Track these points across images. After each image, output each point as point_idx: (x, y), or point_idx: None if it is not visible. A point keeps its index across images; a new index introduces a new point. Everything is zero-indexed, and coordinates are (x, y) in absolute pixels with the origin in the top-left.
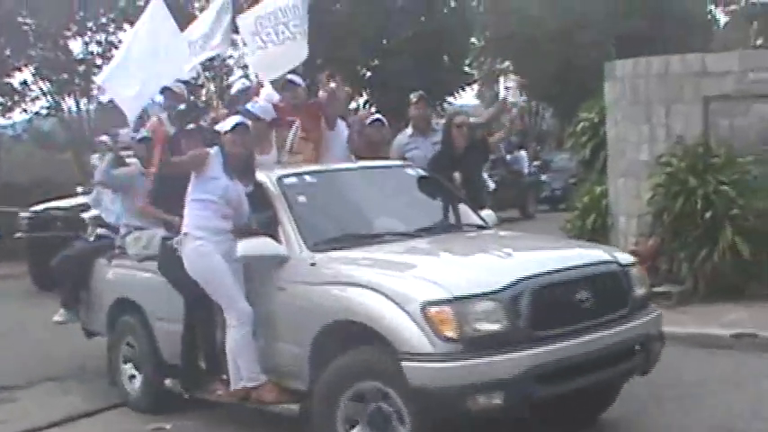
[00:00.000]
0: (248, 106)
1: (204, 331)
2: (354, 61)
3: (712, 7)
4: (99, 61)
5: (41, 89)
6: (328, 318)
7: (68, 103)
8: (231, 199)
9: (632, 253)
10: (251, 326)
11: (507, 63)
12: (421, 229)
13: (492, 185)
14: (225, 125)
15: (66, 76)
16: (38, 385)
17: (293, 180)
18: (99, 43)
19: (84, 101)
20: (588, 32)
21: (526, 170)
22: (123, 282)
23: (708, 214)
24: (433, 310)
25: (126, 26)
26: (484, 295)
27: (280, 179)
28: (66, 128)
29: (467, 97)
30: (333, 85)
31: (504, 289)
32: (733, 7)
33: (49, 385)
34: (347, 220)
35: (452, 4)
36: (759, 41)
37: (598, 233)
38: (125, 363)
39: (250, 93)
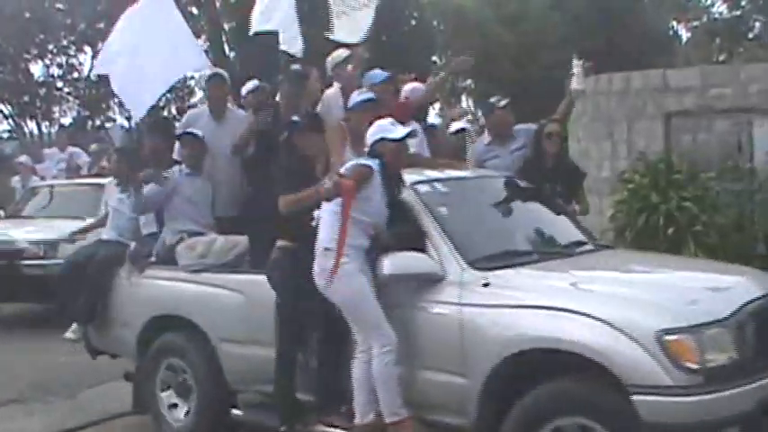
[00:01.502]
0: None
1: (325, 358)
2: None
3: (675, 23)
4: (60, 84)
5: (2, 112)
6: (513, 346)
7: (30, 125)
8: (382, 216)
9: None
10: (396, 354)
11: (469, 81)
12: (564, 245)
13: None
14: (396, 133)
15: (27, 98)
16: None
17: (427, 188)
18: (60, 66)
19: (45, 124)
20: (550, 51)
21: None
22: (167, 296)
23: (670, 230)
24: (671, 338)
25: (86, 48)
26: (716, 323)
27: (414, 186)
28: (27, 151)
29: (429, 116)
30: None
31: (732, 316)
32: (695, 23)
33: (13, 407)
34: (490, 234)
35: (413, 23)
36: (722, 57)
37: None
38: (164, 389)
39: (259, 92)
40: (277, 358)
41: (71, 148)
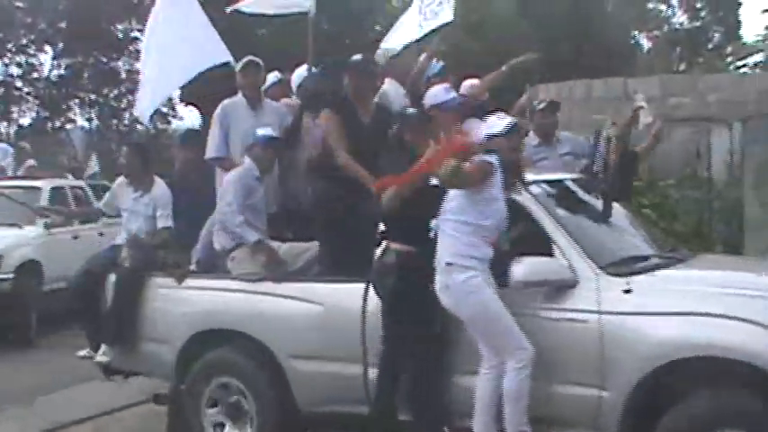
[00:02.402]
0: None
1: (427, 376)
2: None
3: (636, 33)
4: (19, 83)
5: None
6: (667, 355)
7: None
8: (503, 219)
9: None
10: (531, 368)
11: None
12: (669, 250)
13: None
14: (496, 127)
15: None
16: None
17: (539, 189)
18: (19, 65)
19: (3, 124)
20: (515, 58)
21: None
22: (218, 309)
23: None
24: None
25: (47, 48)
26: None
27: (528, 187)
28: None
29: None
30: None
31: None
32: (656, 33)
33: None
34: (608, 238)
35: (377, 28)
36: (682, 67)
37: None
38: (211, 411)
39: (281, 87)
40: (380, 376)
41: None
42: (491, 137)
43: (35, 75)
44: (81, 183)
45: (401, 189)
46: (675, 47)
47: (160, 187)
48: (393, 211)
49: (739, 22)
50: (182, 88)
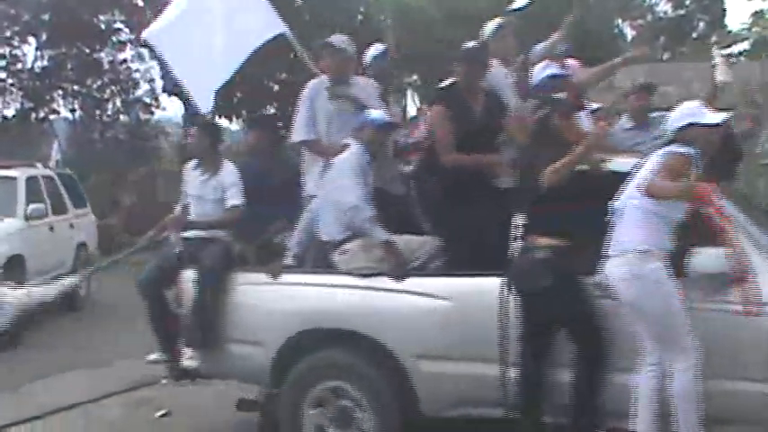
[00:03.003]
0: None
1: (582, 375)
2: (260, 75)
3: (619, 21)
4: (2, 75)
5: None
6: None
7: None
8: (683, 211)
9: None
10: (700, 367)
11: (415, 77)
12: None
13: None
14: (710, 118)
15: None
16: None
17: None
18: (3, 57)
19: None
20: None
21: None
22: (325, 306)
23: None
24: None
25: (30, 39)
26: None
27: None
28: None
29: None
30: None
31: None
32: (640, 22)
33: None
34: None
35: (359, 18)
36: (666, 56)
37: None
38: (312, 413)
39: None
40: (525, 377)
41: None
42: (692, 125)
43: (19, 66)
44: (50, 172)
45: (566, 167)
46: (659, 36)
47: (228, 169)
48: (553, 192)
49: (724, 10)
50: (164, 78)
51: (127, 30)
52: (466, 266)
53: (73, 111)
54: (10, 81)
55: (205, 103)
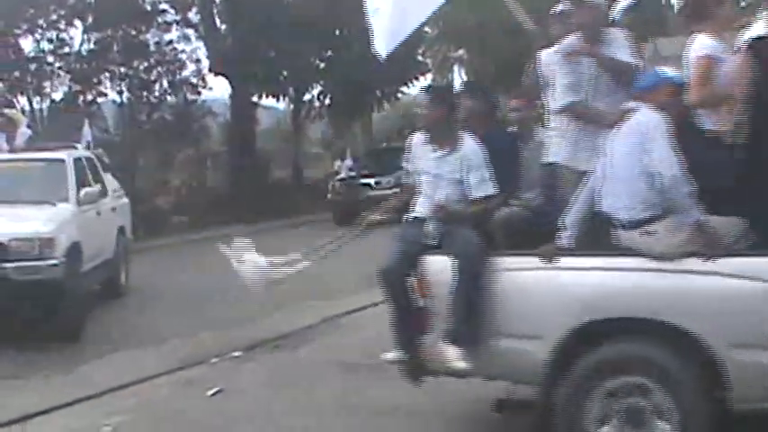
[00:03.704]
0: None
1: None
2: (307, 53)
3: None
4: (50, 59)
5: None
6: None
7: (21, 101)
8: None
9: None
10: None
11: (461, 52)
12: None
13: None
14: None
15: (17, 74)
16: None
17: None
18: (50, 41)
19: (36, 99)
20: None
21: None
22: (621, 293)
23: None
24: None
25: (77, 23)
26: None
27: None
28: None
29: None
30: None
31: None
32: None
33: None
34: None
35: None
36: None
37: None
38: (602, 414)
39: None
40: None
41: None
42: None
43: (66, 49)
44: (90, 153)
45: None
46: None
47: (470, 146)
48: None
49: None
50: (210, 58)
51: (172, 11)
52: None
53: (120, 93)
54: (57, 64)
55: (384, 52)
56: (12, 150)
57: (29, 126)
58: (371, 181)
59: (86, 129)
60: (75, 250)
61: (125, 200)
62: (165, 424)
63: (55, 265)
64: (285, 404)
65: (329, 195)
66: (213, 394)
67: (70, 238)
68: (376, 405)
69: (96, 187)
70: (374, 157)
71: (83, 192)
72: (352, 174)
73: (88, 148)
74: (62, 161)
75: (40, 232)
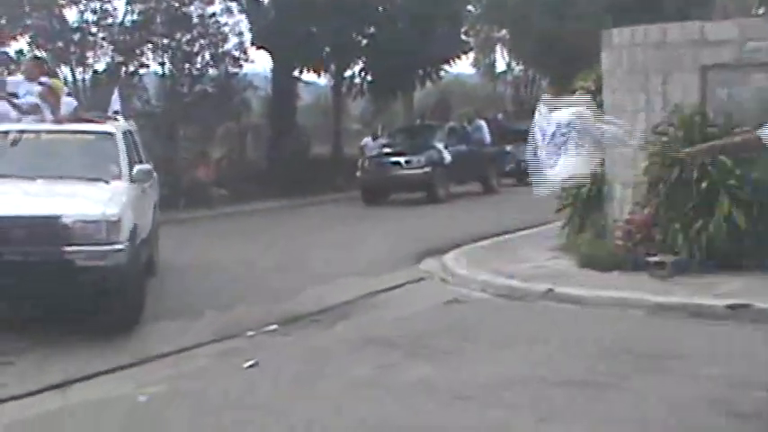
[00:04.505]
0: None
1: None
2: (349, 29)
3: None
4: (94, 29)
5: (37, 58)
6: None
7: (64, 71)
8: None
9: (627, 222)
10: None
11: (504, 31)
12: None
13: (448, 158)
14: None
15: (61, 44)
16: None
17: None
18: (94, 11)
19: (79, 69)
20: (586, 2)
21: (487, 140)
22: None
23: (704, 184)
24: None
25: None
26: None
27: None
28: None
29: (463, 65)
30: None
31: None
32: None
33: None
34: None
35: None
36: (761, 11)
37: (593, 202)
38: None
39: None
40: None
41: (46, 80)
42: None
43: (109, 20)
44: (129, 126)
45: None
46: None
47: None
48: None
49: None
50: (252, 31)
51: None
52: None
53: (162, 64)
54: (101, 35)
55: None
56: (57, 121)
57: (69, 95)
58: (402, 159)
59: (115, 96)
60: (133, 233)
61: (155, 173)
62: (200, 395)
63: (121, 249)
64: (320, 379)
65: (358, 173)
66: (249, 367)
67: (131, 220)
68: (412, 382)
69: (149, 165)
70: (407, 134)
71: (136, 169)
72: (384, 151)
73: (116, 117)
74: (112, 135)
75: (107, 214)
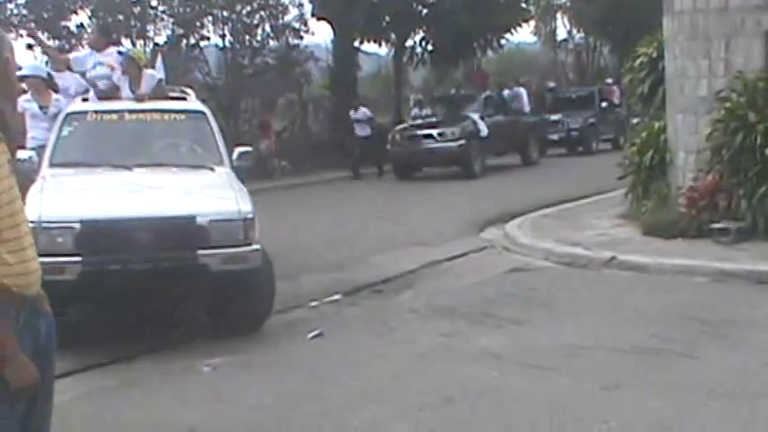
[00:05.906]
0: None
1: None
2: None
3: None
4: (154, 2)
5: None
6: None
7: (124, 44)
8: None
9: (690, 189)
10: None
11: None
12: None
13: (485, 130)
14: None
15: (121, 17)
16: None
17: None
18: None
19: (140, 42)
20: None
21: (527, 109)
22: None
23: (767, 150)
24: None
25: None
26: None
27: None
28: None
29: (523, 34)
30: None
31: None
32: None
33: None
34: None
35: None
36: None
37: (656, 169)
38: None
39: None
40: None
41: (113, 49)
42: None
43: None
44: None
45: None
46: None
47: None
48: None
49: None
50: (312, 2)
51: None
52: None
53: (223, 37)
54: (161, 8)
55: None
56: (138, 99)
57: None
58: (435, 132)
59: (159, 64)
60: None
61: None
62: (263, 365)
63: (257, 250)
64: (384, 348)
65: (389, 146)
66: (313, 337)
67: (254, 213)
68: (477, 351)
69: (248, 147)
70: (442, 104)
71: (237, 152)
72: (418, 122)
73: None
74: (203, 114)
75: (242, 212)
